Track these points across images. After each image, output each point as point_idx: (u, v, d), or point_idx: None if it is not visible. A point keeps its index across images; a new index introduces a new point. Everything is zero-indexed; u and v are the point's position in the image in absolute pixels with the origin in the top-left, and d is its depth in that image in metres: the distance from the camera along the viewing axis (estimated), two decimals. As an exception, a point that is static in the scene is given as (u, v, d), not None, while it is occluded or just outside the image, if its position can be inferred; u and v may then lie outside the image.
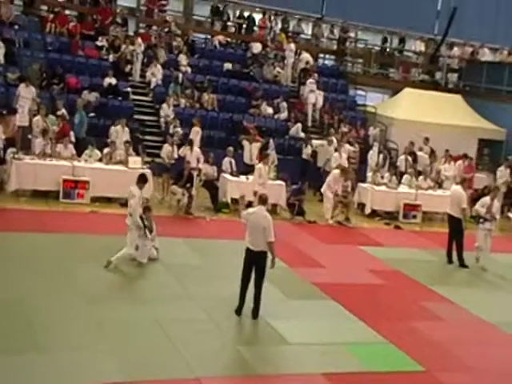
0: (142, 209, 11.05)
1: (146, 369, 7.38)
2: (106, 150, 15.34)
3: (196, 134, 17.24)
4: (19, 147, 14.73)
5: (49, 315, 8.55)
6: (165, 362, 7.58)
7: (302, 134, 19.58)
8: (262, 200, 9.37)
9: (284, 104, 20.86)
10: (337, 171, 15.90)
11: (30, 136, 15.26)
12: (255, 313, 9.08)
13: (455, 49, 27.54)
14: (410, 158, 18.62)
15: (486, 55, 26.68)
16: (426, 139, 19.50)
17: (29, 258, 10.37)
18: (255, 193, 14.34)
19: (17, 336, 7.76)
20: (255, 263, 9.03)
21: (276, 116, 20.58)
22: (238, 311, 9.12)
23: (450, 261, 13.22)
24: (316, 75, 21.82)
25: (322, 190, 15.90)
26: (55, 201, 14.07)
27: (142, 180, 10.94)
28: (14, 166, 13.99)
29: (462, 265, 13.07)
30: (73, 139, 15.59)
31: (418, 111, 21.69)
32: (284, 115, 20.64)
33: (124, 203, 14.70)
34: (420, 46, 27.88)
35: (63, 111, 16.37)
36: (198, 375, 7.38)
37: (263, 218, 9.01)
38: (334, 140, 18.14)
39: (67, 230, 12.11)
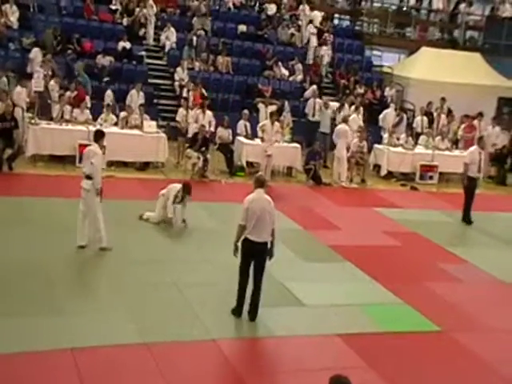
0: (182, 186, 10.98)
1: (164, 331, 7.50)
2: (121, 115, 15.35)
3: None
4: (36, 112, 14.78)
5: (66, 279, 8.69)
6: (182, 324, 7.70)
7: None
8: (260, 182, 8.06)
9: (299, 66, 20.65)
10: (345, 126, 15.72)
11: (49, 101, 15.29)
12: (254, 314, 7.98)
13: (474, 5, 26.90)
14: (426, 119, 18.43)
15: (507, 11, 26.03)
16: (443, 99, 19.24)
17: (46, 223, 10.49)
18: (263, 146, 14.49)
19: (35, 298, 7.91)
20: (257, 257, 7.88)
21: (291, 78, 20.40)
22: (238, 312, 7.98)
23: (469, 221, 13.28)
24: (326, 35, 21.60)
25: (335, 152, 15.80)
26: (72, 165, 14.17)
27: (100, 136, 9.66)
28: (31, 132, 14.07)
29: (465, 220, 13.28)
30: (89, 104, 15.62)
31: (436, 71, 21.34)
32: (299, 77, 20.45)
33: (140, 168, 14.85)
34: (438, 4, 27.29)
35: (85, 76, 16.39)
36: (214, 337, 7.49)
37: (268, 202, 7.92)
38: (346, 106, 17.85)
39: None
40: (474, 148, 13.65)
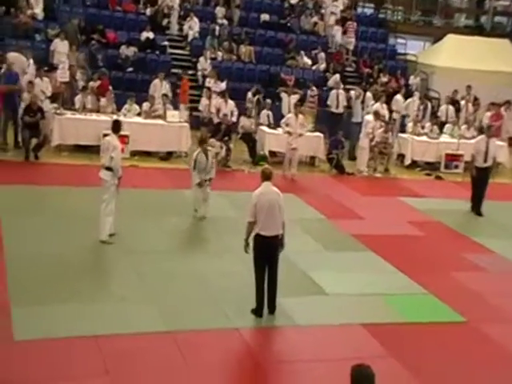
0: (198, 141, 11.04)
1: (187, 319, 7.54)
2: (144, 105, 15.40)
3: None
4: (61, 103, 14.92)
5: (92, 268, 8.79)
6: (205, 313, 7.73)
7: (341, 86, 19.21)
8: (266, 175, 7.83)
9: (322, 54, 20.52)
10: (370, 117, 15.60)
11: (77, 91, 15.41)
12: (273, 307, 7.85)
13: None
14: (451, 108, 18.20)
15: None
16: (469, 87, 18.98)
17: (71, 212, 10.59)
18: (288, 139, 14.39)
19: (61, 287, 8.00)
20: (270, 252, 7.71)
21: (314, 67, 20.28)
22: (259, 313, 7.77)
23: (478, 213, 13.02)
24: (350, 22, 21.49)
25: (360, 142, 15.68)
26: (96, 155, 14.22)
27: (117, 126, 9.68)
28: (56, 122, 14.20)
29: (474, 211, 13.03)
30: (112, 94, 15.70)
31: (462, 58, 21.07)
32: (322, 66, 20.32)
33: (163, 157, 14.91)
34: (464, -11, 26.96)
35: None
36: (237, 326, 7.52)
37: (277, 195, 7.73)
38: (368, 94, 17.57)
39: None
40: (480, 138, 13.41)
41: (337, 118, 17.33)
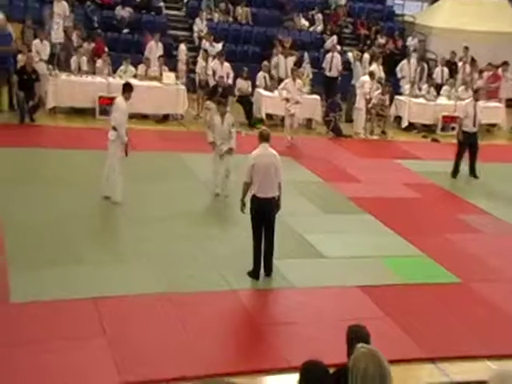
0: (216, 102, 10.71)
1: (184, 281, 7.61)
2: (140, 67, 15.26)
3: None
4: (57, 64, 14.76)
5: (89, 230, 8.81)
6: (202, 276, 7.79)
7: (338, 47, 19.03)
8: (264, 137, 7.83)
9: (319, 16, 20.26)
10: (366, 78, 15.48)
11: (73, 53, 15.21)
12: (269, 269, 7.90)
13: None
14: (446, 69, 18.06)
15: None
16: (466, 48, 18.80)
17: (68, 175, 10.58)
18: (286, 105, 14.20)
19: (59, 250, 8.06)
20: (267, 213, 7.74)
21: (311, 29, 20.04)
22: (255, 274, 7.82)
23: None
24: None
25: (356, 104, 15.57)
26: (92, 118, 14.20)
27: (127, 89, 9.64)
28: (51, 84, 14.07)
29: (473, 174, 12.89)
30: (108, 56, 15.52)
31: (460, 19, 20.77)
32: (319, 28, 20.08)
33: (159, 120, 14.84)
34: None
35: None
36: (234, 288, 7.59)
37: (274, 156, 7.76)
38: (366, 56, 17.50)
39: (105, 146, 12.21)
40: (468, 101, 13.21)
41: (330, 81, 17.17)
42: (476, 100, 12.92)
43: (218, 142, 10.44)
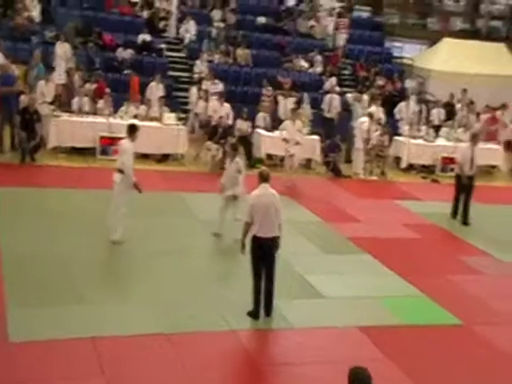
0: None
1: (183, 321, 7.54)
2: (141, 108, 15.40)
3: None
4: (58, 105, 14.92)
5: (88, 269, 8.77)
6: (201, 315, 7.73)
7: (337, 89, 19.27)
8: (264, 177, 7.88)
9: (318, 57, 20.56)
10: (365, 118, 15.60)
11: (75, 94, 15.38)
12: (269, 309, 7.85)
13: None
14: (442, 111, 18.25)
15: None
16: (464, 91, 19.03)
17: (68, 214, 10.59)
18: (286, 146, 14.29)
19: (60, 289, 8.01)
20: (267, 253, 7.74)
21: (310, 70, 20.33)
22: (255, 314, 7.77)
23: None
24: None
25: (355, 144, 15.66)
26: (92, 157, 14.29)
27: (133, 130, 9.64)
28: (53, 124, 14.19)
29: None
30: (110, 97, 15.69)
31: (458, 62, 21.14)
32: (319, 69, 20.36)
33: (160, 159, 14.92)
34: (460, -7, 27.03)
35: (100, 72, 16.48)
36: (234, 328, 7.53)
37: (274, 196, 7.82)
38: (365, 97, 17.70)
39: (105, 185, 12.24)
40: (465, 145, 13.14)
41: (329, 122, 17.27)
42: (474, 144, 12.83)
43: (227, 185, 10.41)
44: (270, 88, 17.64)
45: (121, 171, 9.51)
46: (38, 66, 15.35)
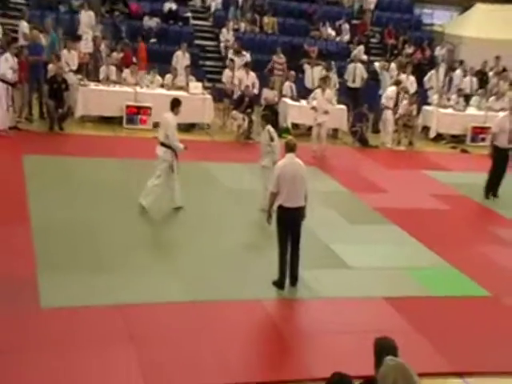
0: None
1: (210, 290, 7.58)
2: (167, 76, 15.36)
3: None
4: (85, 74, 14.95)
5: (116, 238, 8.83)
6: (228, 285, 7.75)
7: (365, 57, 18.96)
8: (290, 147, 7.85)
9: (346, 26, 20.24)
10: (393, 88, 15.32)
11: (101, 63, 15.36)
12: (294, 279, 7.85)
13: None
14: (475, 79, 17.85)
15: None
16: (497, 58, 18.55)
17: (95, 182, 10.64)
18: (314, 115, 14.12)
19: (86, 256, 8.09)
20: (294, 223, 7.71)
21: (338, 38, 20.01)
22: (281, 284, 7.77)
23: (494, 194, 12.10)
24: None
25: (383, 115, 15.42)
26: (119, 126, 14.33)
27: (176, 104, 9.76)
28: (80, 93, 14.23)
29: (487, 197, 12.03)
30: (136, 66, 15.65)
31: (490, 28, 20.54)
32: (346, 37, 20.04)
33: (185, 129, 14.88)
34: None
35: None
36: (259, 297, 7.53)
37: (300, 166, 7.73)
38: (393, 66, 17.35)
39: (131, 155, 12.33)
40: (504, 114, 12.19)
41: (353, 92, 16.91)
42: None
43: (262, 154, 10.26)
44: (282, 55, 17.28)
45: (163, 144, 9.60)
46: (51, 35, 15.21)
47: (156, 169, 9.71)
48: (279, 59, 17.25)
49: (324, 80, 14.73)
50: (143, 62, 16.25)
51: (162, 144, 9.63)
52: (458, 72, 17.80)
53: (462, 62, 18.54)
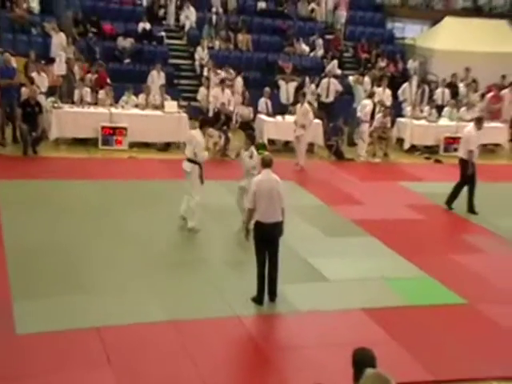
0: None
1: (188, 308, 7.58)
2: (141, 96, 15.39)
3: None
4: (59, 96, 14.92)
5: (92, 259, 8.79)
6: (206, 302, 7.76)
7: (339, 71, 19.18)
8: (266, 162, 7.90)
9: (320, 41, 20.46)
10: (368, 101, 15.50)
11: (75, 85, 15.36)
12: (273, 294, 7.86)
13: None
14: (447, 91, 18.13)
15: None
16: (467, 69, 18.86)
17: (71, 205, 10.61)
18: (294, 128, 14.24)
19: (62, 278, 8.04)
20: (270, 239, 7.73)
21: (312, 54, 20.22)
22: (259, 300, 7.79)
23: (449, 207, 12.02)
24: None
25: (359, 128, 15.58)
26: (95, 148, 14.30)
27: (204, 124, 10.19)
28: (54, 115, 14.19)
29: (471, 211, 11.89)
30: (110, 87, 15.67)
31: (461, 40, 20.93)
32: (320, 52, 20.26)
33: (161, 148, 14.91)
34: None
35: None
36: (237, 313, 7.54)
37: (276, 182, 7.76)
38: (366, 79, 17.57)
39: (107, 176, 12.31)
40: (473, 131, 11.91)
41: (326, 106, 17.06)
42: (478, 129, 11.94)
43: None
44: (231, 71, 17.32)
45: (191, 161, 9.80)
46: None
47: (187, 187, 9.87)
48: (229, 75, 17.24)
49: (300, 94, 14.86)
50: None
51: (189, 160, 9.83)
52: (414, 83, 17.85)
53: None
